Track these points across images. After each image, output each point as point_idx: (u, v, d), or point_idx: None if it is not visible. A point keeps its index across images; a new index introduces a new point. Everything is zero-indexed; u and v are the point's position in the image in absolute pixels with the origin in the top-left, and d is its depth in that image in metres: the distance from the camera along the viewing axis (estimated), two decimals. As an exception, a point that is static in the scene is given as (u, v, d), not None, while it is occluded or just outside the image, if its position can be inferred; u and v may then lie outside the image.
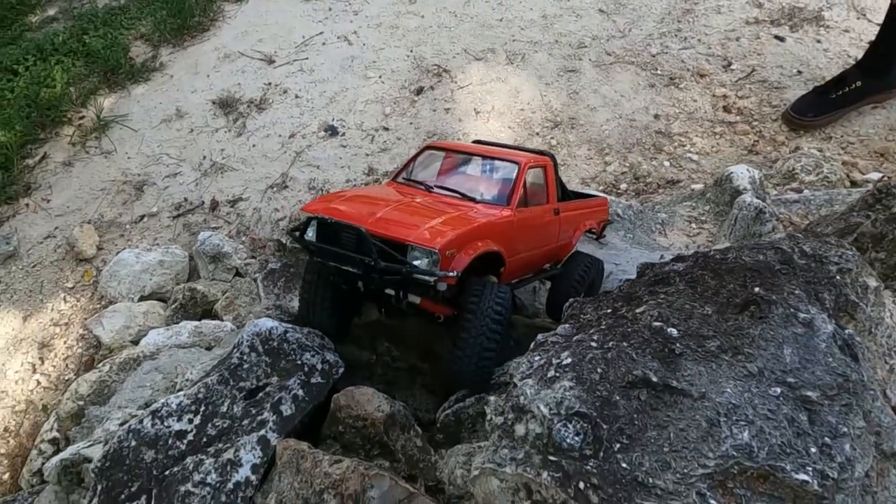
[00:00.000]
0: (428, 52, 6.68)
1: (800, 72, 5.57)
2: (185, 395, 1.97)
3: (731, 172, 3.76)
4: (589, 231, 3.19)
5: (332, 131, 6.10)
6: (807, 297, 1.28)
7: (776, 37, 5.94)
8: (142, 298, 4.82)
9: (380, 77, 6.53)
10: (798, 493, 1.00)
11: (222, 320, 4.07)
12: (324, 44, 6.97)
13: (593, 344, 1.27)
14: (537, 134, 5.71)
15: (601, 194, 3.54)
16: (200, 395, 2.00)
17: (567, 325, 1.47)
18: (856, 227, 2.65)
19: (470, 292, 2.24)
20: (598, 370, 1.18)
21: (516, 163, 2.73)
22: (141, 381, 3.10)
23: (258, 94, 6.53)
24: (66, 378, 4.56)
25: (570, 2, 6.89)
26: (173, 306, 4.46)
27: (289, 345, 2.16)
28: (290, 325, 2.26)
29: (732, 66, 5.83)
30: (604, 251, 3.33)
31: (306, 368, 2.11)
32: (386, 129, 6.07)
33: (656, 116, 5.56)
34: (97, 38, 7.18)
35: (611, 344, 1.24)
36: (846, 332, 1.25)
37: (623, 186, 5.07)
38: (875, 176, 4.20)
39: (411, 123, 6.06)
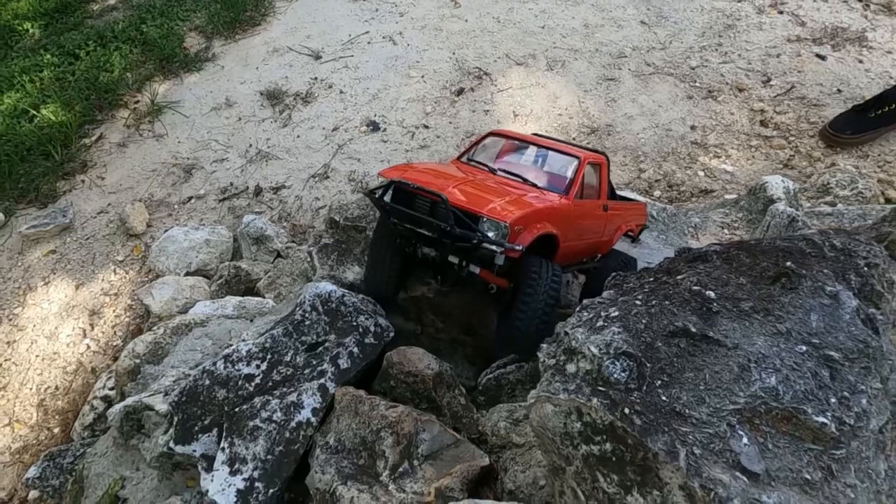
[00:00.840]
0: (470, 55, 6.87)
1: (840, 90, 5.62)
2: (253, 344, 2.15)
3: (766, 182, 3.85)
4: (627, 233, 3.32)
5: (373, 126, 6.32)
6: (834, 276, 1.40)
7: (817, 55, 5.99)
8: (187, 274, 5.06)
9: (422, 77, 6.74)
10: (817, 435, 1.12)
11: (264, 297, 4.28)
12: (369, 43, 7.21)
13: (637, 302, 1.41)
14: (574, 138, 5.84)
15: (641, 199, 3.66)
16: (267, 345, 2.17)
17: (611, 291, 1.61)
18: (886, 236, 2.74)
19: (529, 268, 2.39)
20: (643, 321, 1.31)
21: (576, 157, 2.88)
22: (192, 346, 3.31)
23: (304, 87, 6.78)
24: (114, 344, 4.82)
25: (613, 12, 7.03)
26: (218, 282, 4.69)
27: (346, 307, 2.33)
28: (346, 290, 2.43)
29: (772, 82, 5.90)
30: (638, 250, 3.46)
31: (361, 329, 2.28)
32: (426, 126, 6.26)
33: (692, 127, 5.65)
34: (154, 28, 7.53)
35: (653, 302, 1.38)
36: (870, 310, 1.36)
37: (657, 193, 5.18)
38: (910, 194, 4.24)
39: (451, 123, 6.24)
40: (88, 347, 4.82)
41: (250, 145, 6.30)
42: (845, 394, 1.15)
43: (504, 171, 2.87)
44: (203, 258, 5.11)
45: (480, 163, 2.97)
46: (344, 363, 2.12)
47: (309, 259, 3.24)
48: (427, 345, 2.57)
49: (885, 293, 1.74)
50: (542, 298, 2.28)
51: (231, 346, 2.18)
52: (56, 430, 4.22)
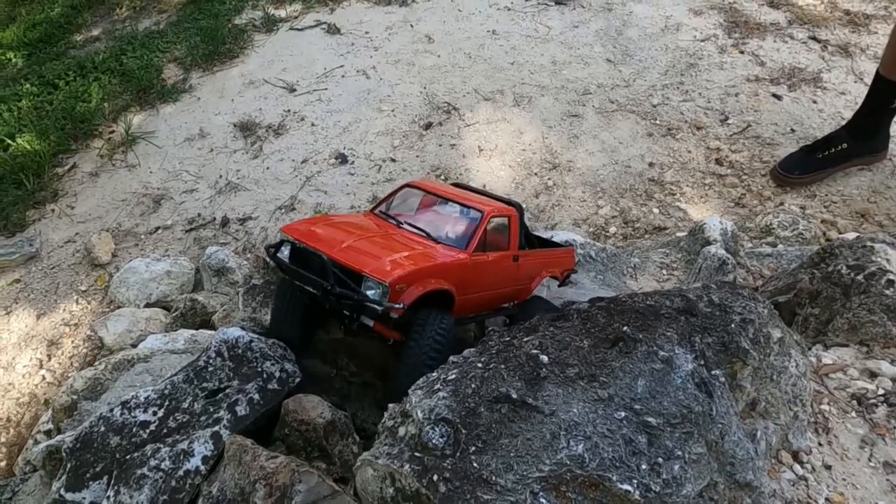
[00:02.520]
0: (440, 90, 7.02)
1: (793, 130, 5.74)
2: (153, 391, 2.20)
3: (705, 223, 3.93)
4: (553, 277, 3.40)
5: (342, 159, 6.43)
6: (677, 339, 1.46)
7: (774, 95, 6.14)
8: (147, 305, 5.11)
9: (392, 111, 6.88)
10: (623, 502, 1.16)
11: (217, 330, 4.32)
12: (343, 76, 7.37)
13: (479, 365, 1.46)
14: (535, 174, 5.95)
15: (568, 243, 3.72)
16: (166, 391, 2.22)
17: (473, 349, 1.67)
18: (794, 285, 2.81)
19: (414, 321, 2.46)
20: (473, 386, 1.37)
21: (480, 211, 2.94)
22: (132, 381, 3.34)
23: (277, 119, 6.91)
24: (69, 375, 4.84)
25: (580, 50, 7.20)
26: (174, 314, 4.73)
27: (252, 353, 2.39)
28: (256, 335, 2.48)
29: (729, 121, 6.03)
30: (573, 290, 3.52)
31: (265, 375, 2.33)
32: (393, 160, 6.37)
33: (651, 164, 5.76)
34: (134, 59, 7.70)
35: (492, 365, 1.44)
36: (712, 372, 1.42)
37: (612, 229, 5.26)
38: (851, 236, 4.32)
39: (417, 156, 6.35)
40: (44, 378, 4.84)
41: (220, 176, 6.40)
42: (659, 460, 1.19)
43: (410, 224, 2.95)
44: (164, 290, 5.16)
45: (390, 216, 3.06)
46: (242, 410, 2.16)
47: (235, 300, 3.30)
48: (339, 389, 2.62)
49: (753, 350, 1.80)
50: (425, 351, 2.35)
51: (130, 393, 2.23)
52: (2, 464, 4.22)
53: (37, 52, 8.42)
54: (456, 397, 1.31)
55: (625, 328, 1.45)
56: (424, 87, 7.07)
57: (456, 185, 3.58)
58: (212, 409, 2.11)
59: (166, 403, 2.13)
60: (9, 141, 6.72)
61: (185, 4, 9.19)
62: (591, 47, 7.20)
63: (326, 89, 7.20)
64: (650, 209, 5.34)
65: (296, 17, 8.36)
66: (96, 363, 3.55)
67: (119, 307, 5.14)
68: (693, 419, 1.25)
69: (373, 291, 2.32)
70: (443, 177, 6.10)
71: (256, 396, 2.20)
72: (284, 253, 2.54)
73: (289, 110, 7.01)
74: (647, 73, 6.76)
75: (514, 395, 1.30)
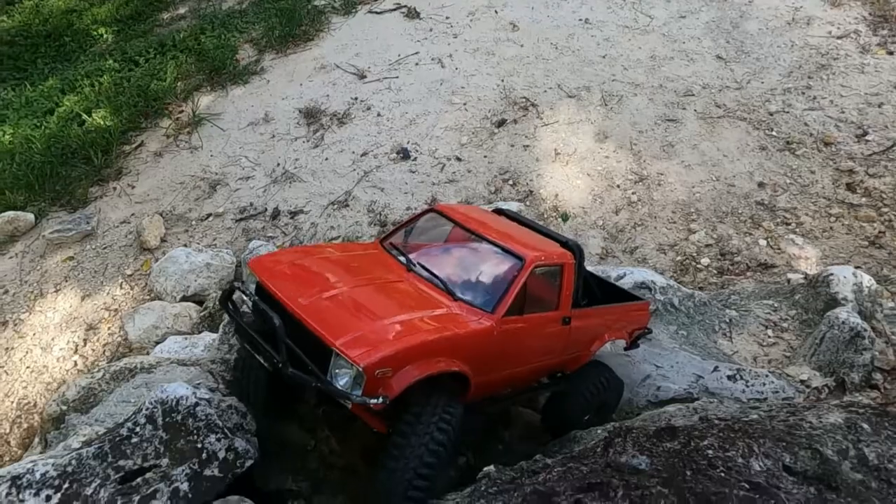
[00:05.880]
0: (519, 84, 6.34)
1: (956, 154, 4.60)
2: (53, 465, 1.76)
3: (832, 274, 3.05)
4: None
5: (404, 154, 5.93)
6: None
7: (931, 108, 4.97)
8: (184, 299, 4.85)
9: (464, 104, 6.28)
10: None
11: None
12: (417, 64, 6.84)
13: None
14: (618, 186, 5.17)
15: (643, 296, 2.85)
16: (69, 469, 1.76)
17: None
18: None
19: (407, 411, 1.85)
20: None
21: (521, 257, 2.24)
22: (127, 396, 3.00)
23: (343, 107, 6.51)
24: (99, 364, 4.67)
25: (686, 44, 6.26)
26: (203, 314, 4.43)
27: (195, 421, 1.89)
28: (205, 397, 1.97)
29: (868, 137, 4.94)
30: (645, 347, 2.79)
31: (204, 455, 1.83)
32: (459, 159, 5.79)
33: (761, 185, 4.82)
34: (211, 39, 7.57)
35: None
36: None
37: (704, 261, 4.41)
38: None
39: (485, 157, 5.73)
40: (75, 364, 4.72)
41: (278, 164, 6.10)
42: None
43: (423, 266, 2.27)
44: (202, 283, 4.89)
45: (402, 251, 2.41)
46: None
47: (221, 333, 2.87)
48: (313, 470, 2.07)
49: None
50: (418, 452, 1.74)
51: (26, 463, 1.80)
52: (16, 449, 4.09)
53: (126, 28, 8.54)
54: None
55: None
56: (502, 80, 6.41)
57: (498, 212, 2.87)
58: (119, 502, 1.62)
59: (65, 486, 1.67)
60: (85, 116, 6.75)
61: (269, -16, 9.01)
62: (699, 41, 6.22)
63: (397, 77, 6.71)
64: (755, 240, 4.42)
65: (375, 0, 7.92)
66: (94, 370, 3.25)
67: (157, 297, 4.93)
68: None
69: (344, 378, 1.75)
70: (510, 182, 5.45)
71: (185, 487, 1.69)
72: (247, 295, 2.01)
73: (356, 98, 6.59)
74: (765, 74, 5.72)
75: None
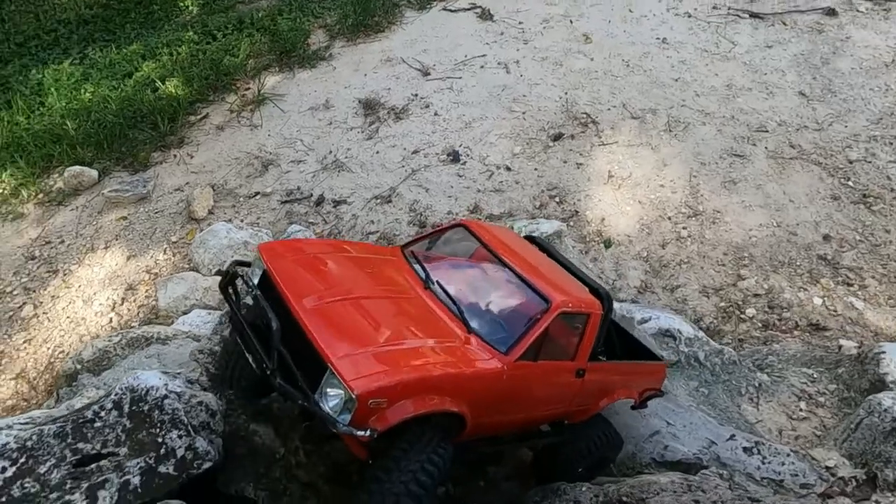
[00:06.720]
0: (583, 98, 6.13)
1: None
2: (14, 437, 1.79)
3: (884, 352, 2.75)
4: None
5: (454, 157, 5.85)
6: None
7: None
8: (218, 273, 4.95)
9: (523, 113, 6.14)
10: None
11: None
12: (482, 67, 6.74)
13: None
14: (669, 218, 4.91)
15: (661, 359, 2.61)
16: (29, 443, 1.78)
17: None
18: None
19: (393, 447, 1.73)
20: None
21: (548, 301, 2.06)
22: (137, 364, 3.09)
23: (402, 102, 6.50)
24: (132, 325, 4.85)
25: (767, 76, 5.88)
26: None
27: (161, 413, 1.87)
28: (176, 390, 1.94)
29: (958, 201, 4.49)
30: (659, 401, 2.60)
31: (163, 451, 1.80)
32: (508, 168, 5.66)
33: (826, 237, 4.46)
34: (287, 20, 7.72)
35: None
36: None
37: (750, 312, 4.12)
38: None
39: (536, 170, 5.58)
40: (110, 321, 4.90)
41: (330, 152, 6.15)
42: None
43: (441, 287, 2.13)
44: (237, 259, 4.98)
45: (423, 263, 2.27)
46: (105, 499, 1.63)
47: (216, 323, 2.87)
48: (274, 481, 1.99)
49: None
50: (397, 490, 1.63)
51: None
52: (42, 395, 4.29)
53: (211, 2, 8.81)
54: None
55: None
56: (566, 92, 6.22)
57: (530, 239, 2.70)
58: (68, 486, 1.62)
59: (21, 460, 1.67)
60: (159, 83, 7.02)
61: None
62: (783, 74, 5.82)
63: (460, 78, 6.63)
64: (810, 297, 4.09)
65: (451, -3, 7.86)
66: (112, 335, 3.35)
67: (194, 269, 5.07)
68: None
69: (334, 400, 1.65)
70: (557, 199, 5.27)
71: (136, 481, 1.67)
72: (254, 281, 1.97)
73: (416, 94, 6.55)
74: (850, 118, 5.29)
75: None
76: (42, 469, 1.76)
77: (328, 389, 1.67)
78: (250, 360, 1.89)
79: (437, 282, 2.14)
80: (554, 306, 2.04)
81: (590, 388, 2.29)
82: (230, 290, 2.03)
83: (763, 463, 2.33)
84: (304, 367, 1.79)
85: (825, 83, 5.64)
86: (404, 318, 1.92)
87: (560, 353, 2.13)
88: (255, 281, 2.01)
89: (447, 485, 2.21)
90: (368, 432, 1.63)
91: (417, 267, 2.24)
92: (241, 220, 5.56)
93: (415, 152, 5.97)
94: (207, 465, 1.88)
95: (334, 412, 1.64)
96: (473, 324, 2.03)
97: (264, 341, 1.86)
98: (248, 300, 2.36)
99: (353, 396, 1.60)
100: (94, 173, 6.07)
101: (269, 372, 1.71)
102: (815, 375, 2.91)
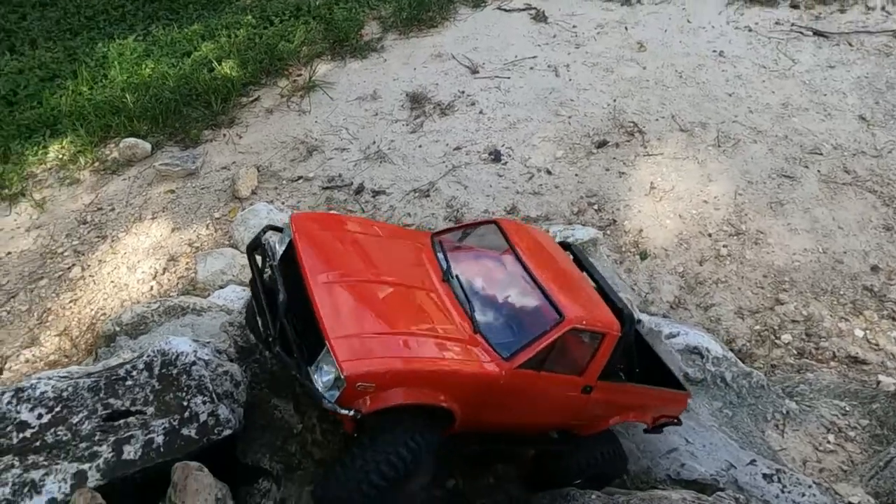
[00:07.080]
0: (631, 107, 6.05)
1: None
2: (52, 387, 1.89)
3: None
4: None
5: (495, 156, 5.85)
6: None
7: None
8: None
9: (569, 117, 6.09)
10: None
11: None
12: (531, 68, 6.72)
13: None
14: (709, 235, 4.80)
15: (684, 389, 2.53)
16: (65, 394, 1.88)
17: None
18: None
19: (378, 423, 1.78)
20: None
21: (561, 315, 2.05)
22: (172, 331, 3.20)
23: (448, 98, 6.53)
24: (171, 294, 5.02)
25: (827, 97, 5.68)
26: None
27: (188, 378, 1.95)
28: (204, 358, 2.03)
29: None
30: (683, 421, 2.54)
31: (187, 414, 1.88)
32: (549, 172, 5.64)
33: (874, 268, 4.30)
34: (343, 10, 7.84)
35: None
36: None
37: (786, 337, 4.01)
38: None
39: (576, 175, 5.53)
40: (151, 289, 5.08)
41: (373, 142, 6.23)
42: None
43: (459, 282, 2.15)
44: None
45: (446, 255, 2.29)
46: (130, 453, 1.73)
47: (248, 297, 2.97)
48: (290, 454, 2.04)
49: None
50: (368, 467, 1.67)
51: (32, 379, 1.93)
52: (82, 354, 4.48)
53: (272, -13, 9.00)
54: None
55: None
56: (614, 100, 6.14)
57: (564, 245, 2.69)
58: (98, 437, 1.72)
59: (57, 409, 1.79)
60: (215, 63, 7.22)
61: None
62: (844, 97, 5.61)
63: (509, 78, 6.62)
64: (851, 328, 3.95)
65: (507, -3, 7.84)
66: (151, 301, 3.48)
67: (233, 246, 5.21)
68: None
69: (327, 376, 1.72)
70: (595, 206, 5.22)
71: (160, 440, 1.76)
72: (279, 249, 2.05)
73: (463, 91, 6.58)
74: (912, 147, 5.08)
75: None
76: (74, 419, 1.87)
77: (323, 365, 1.74)
78: (259, 323, 1.97)
79: (456, 276, 2.17)
80: (566, 321, 2.04)
81: (597, 405, 2.27)
82: (254, 256, 2.12)
83: (783, 492, 2.26)
84: (309, 339, 1.85)
85: (888, 109, 5.41)
86: (414, 309, 1.96)
87: (568, 366, 2.13)
88: (283, 248, 2.08)
89: (457, 479, 2.24)
90: (352, 412, 1.69)
91: (441, 257, 2.27)
92: (283, 203, 5.69)
93: (457, 149, 5.99)
94: (227, 432, 1.96)
95: (325, 387, 1.71)
96: (481, 324, 2.05)
97: (273, 309, 1.93)
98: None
99: (343, 377, 1.66)
100: (148, 146, 6.29)
101: (269, 339, 1.79)
102: (847, 408, 2.81)
